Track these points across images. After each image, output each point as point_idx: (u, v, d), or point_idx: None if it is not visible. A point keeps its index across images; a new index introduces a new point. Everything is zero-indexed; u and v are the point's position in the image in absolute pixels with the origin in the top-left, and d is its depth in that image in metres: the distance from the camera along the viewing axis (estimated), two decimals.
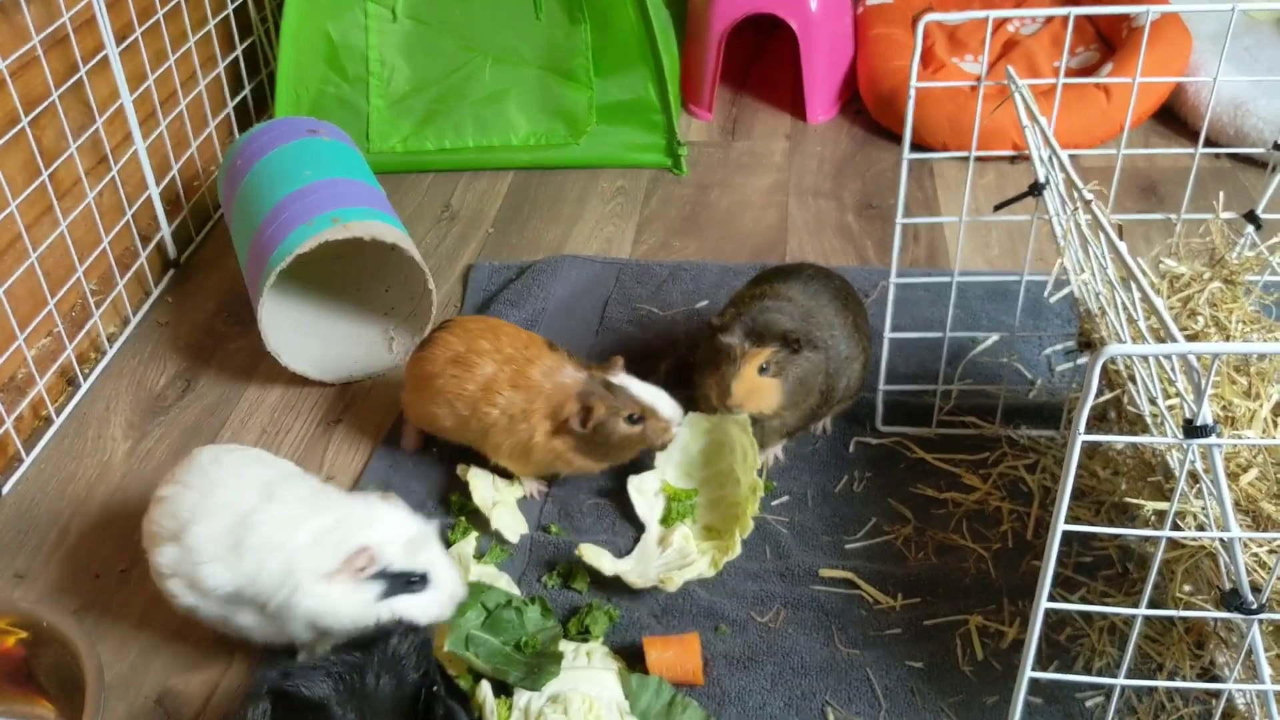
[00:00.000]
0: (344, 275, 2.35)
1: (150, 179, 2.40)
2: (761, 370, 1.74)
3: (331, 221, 2.03)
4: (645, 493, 1.82)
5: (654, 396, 1.76)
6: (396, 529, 1.53)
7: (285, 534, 1.50)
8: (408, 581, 1.50)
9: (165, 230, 2.48)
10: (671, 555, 1.74)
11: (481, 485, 1.84)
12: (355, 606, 1.49)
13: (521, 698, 1.49)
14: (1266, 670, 1.21)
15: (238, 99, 2.80)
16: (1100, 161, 2.70)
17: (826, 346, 1.80)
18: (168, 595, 1.57)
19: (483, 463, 1.88)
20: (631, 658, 1.58)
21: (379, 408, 2.11)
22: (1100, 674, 1.52)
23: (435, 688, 1.33)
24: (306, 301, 2.29)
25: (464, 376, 1.81)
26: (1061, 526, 1.07)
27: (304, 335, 2.21)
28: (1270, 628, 1.25)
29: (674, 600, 1.68)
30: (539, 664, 1.53)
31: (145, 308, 2.41)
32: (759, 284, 1.89)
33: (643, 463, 1.86)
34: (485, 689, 1.50)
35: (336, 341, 2.24)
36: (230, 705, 1.58)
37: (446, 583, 1.53)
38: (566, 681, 1.51)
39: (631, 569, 1.70)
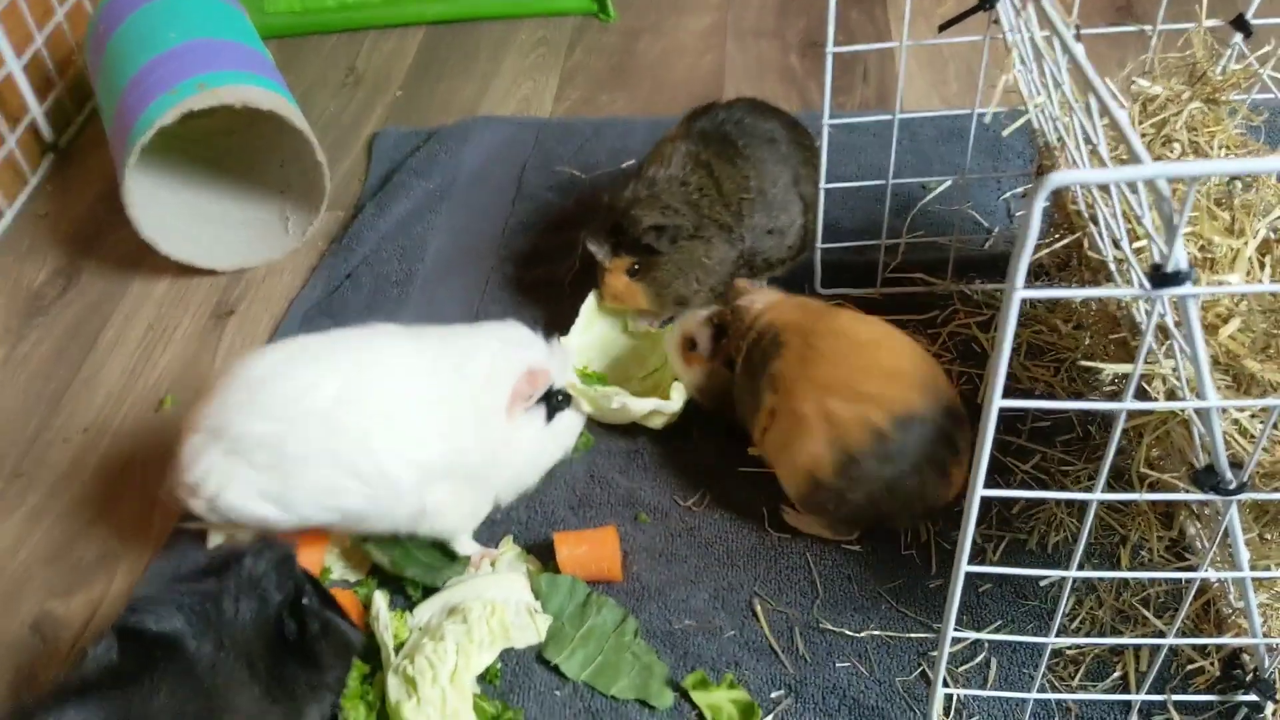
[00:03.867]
0: (235, 151, 2.12)
1: (8, 54, 2.16)
2: (632, 273, 1.61)
3: (196, 88, 1.80)
4: None
5: None
6: (540, 344, 1.42)
7: (494, 395, 1.35)
8: (558, 401, 1.42)
9: (36, 111, 2.26)
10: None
11: None
12: (535, 435, 1.40)
13: (422, 614, 1.37)
14: (1244, 555, 1.04)
15: None
16: None
17: (727, 223, 1.62)
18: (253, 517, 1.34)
19: None
20: (545, 556, 1.44)
21: (274, 296, 1.94)
22: (1057, 549, 1.38)
23: (305, 601, 1.19)
24: (192, 181, 2.07)
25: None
26: (998, 402, 0.89)
27: (190, 219, 2.02)
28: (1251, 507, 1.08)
29: (590, 490, 1.54)
30: (439, 562, 1.42)
31: (22, 198, 2.20)
32: (688, 127, 1.67)
33: None
34: (379, 601, 1.37)
35: (229, 226, 2.04)
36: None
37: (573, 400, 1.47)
38: (469, 589, 1.38)
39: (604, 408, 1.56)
